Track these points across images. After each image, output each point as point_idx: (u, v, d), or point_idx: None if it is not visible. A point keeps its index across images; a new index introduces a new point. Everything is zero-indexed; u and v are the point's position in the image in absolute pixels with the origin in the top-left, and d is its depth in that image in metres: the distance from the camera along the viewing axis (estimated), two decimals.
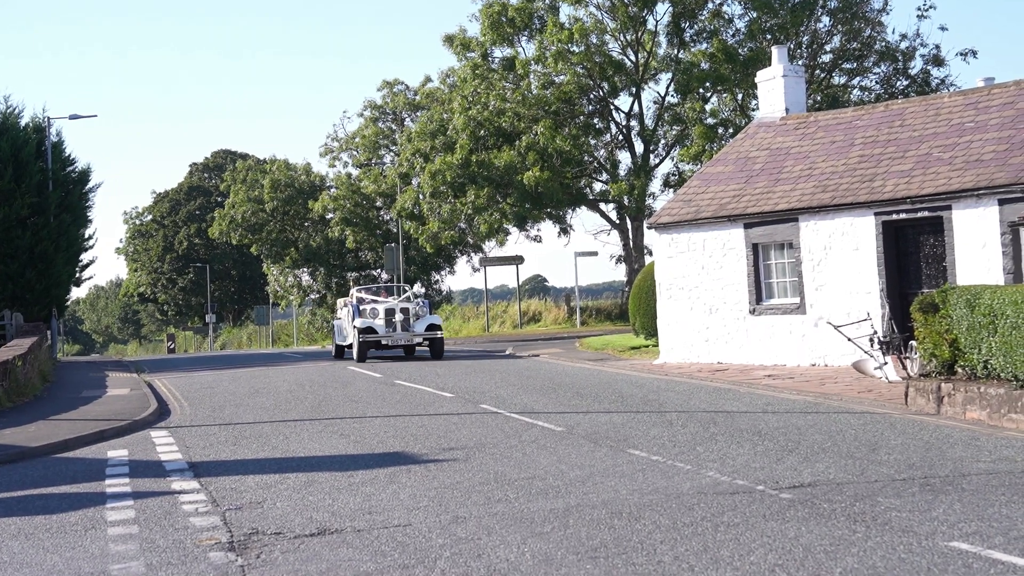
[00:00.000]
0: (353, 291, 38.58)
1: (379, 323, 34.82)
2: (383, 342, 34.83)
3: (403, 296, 37.25)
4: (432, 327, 35.37)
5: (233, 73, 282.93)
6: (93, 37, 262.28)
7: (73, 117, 46.10)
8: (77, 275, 49.05)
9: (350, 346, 36.15)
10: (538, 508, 11.62)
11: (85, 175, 47.19)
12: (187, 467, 15.40)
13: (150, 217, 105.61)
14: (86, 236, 48.47)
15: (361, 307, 35.72)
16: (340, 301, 39.66)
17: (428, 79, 73.18)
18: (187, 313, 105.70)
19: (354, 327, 34.96)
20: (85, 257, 49.52)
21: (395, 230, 68.47)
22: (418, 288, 41.33)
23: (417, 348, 36.83)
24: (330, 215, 77.04)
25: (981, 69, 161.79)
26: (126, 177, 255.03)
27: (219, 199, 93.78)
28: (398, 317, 34.97)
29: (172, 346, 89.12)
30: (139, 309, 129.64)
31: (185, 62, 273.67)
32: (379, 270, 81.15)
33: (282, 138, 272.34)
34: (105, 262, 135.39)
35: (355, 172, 77.64)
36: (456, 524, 11.05)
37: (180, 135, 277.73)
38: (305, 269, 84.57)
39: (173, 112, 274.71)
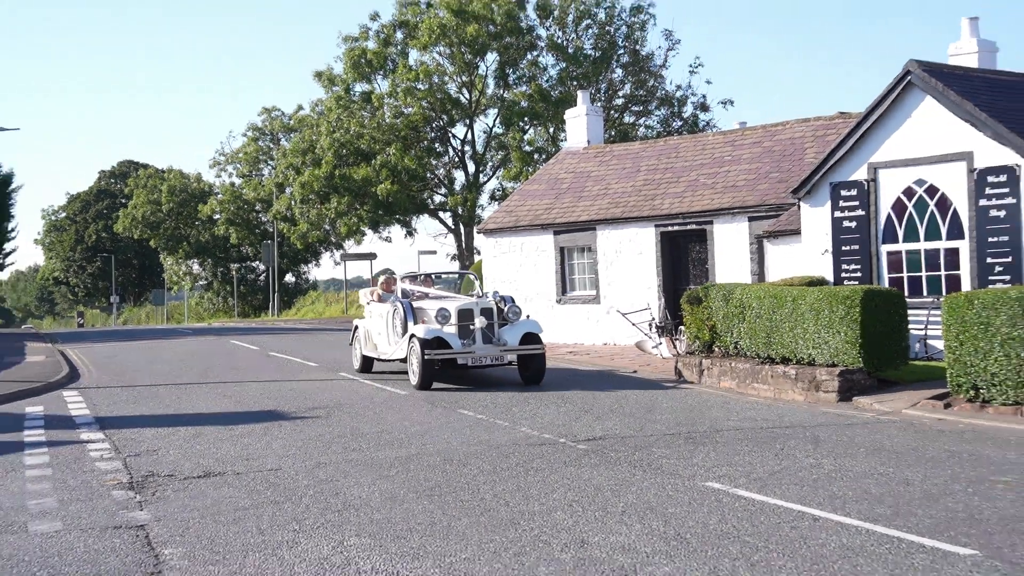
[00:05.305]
0: (395, 277, 21.28)
1: (450, 331, 18.04)
2: (460, 360, 17.98)
3: (474, 292, 20.56)
4: (529, 338, 18.49)
5: (138, 100, 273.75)
6: (14, 53, 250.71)
7: None
8: (1, 261, 47.33)
9: (402, 360, 18.84)
10: (385, 456, 11.61)
11: (8, 179, 45.51)
12: (94, 421, 14.95)
13: (64, 214, 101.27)
14: (9, 229, 46.85)
15: (416, 305, 19.10)
16: (365, 292, 22.25)
17: (300, 107, 71.88)
18: (95, 294, 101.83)
19: (412, 337, 18.11)
20: (8, 247, 47.89)
21: (271, 230, 67.36)
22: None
23: (491, 366, 18.60)
24: (217, 216, 75.56)
25: (737, 114, 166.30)
26: (43, 180, 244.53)
27: (123, 200, 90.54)
28: (478, 323, 18.23)
29: (81, 321, 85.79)
30: (53, 290, 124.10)
31: (98, 81, 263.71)
32: (257, 262, 79.71)
33: (177, 152, 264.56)
34: (25, 251, 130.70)
35: (238, 181, 76.19)
36: (319, 468, 10.97)
37: (91, 147, 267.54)
38: (195, 260, 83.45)
39: (85, 126, 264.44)
